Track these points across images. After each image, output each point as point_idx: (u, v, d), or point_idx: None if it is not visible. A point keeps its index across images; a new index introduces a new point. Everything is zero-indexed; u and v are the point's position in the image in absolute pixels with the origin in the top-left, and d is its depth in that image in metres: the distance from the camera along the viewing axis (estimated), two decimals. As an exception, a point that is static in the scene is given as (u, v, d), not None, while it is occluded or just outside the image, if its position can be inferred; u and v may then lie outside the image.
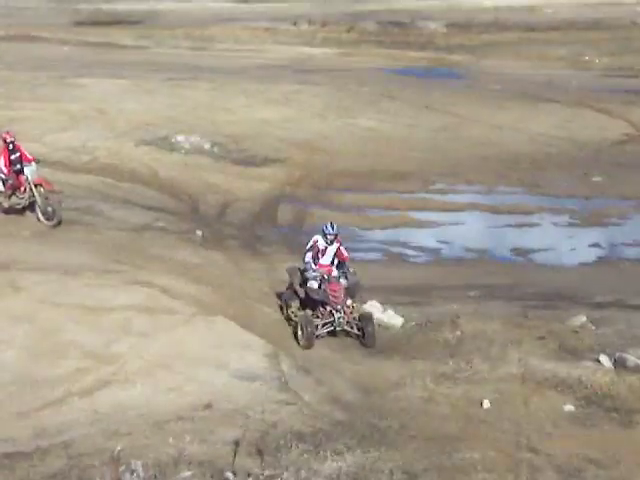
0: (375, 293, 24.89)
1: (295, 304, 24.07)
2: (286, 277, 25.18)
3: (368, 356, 22.21)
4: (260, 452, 16.83)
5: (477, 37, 66.86)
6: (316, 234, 24.64)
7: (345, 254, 24.39)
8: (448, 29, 70.67)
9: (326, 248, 24.28)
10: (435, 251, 30.86)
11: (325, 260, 24.36)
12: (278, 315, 24.74)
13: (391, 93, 53.22)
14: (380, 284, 26.61)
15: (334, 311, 23.23)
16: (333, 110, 49.55)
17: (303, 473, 15.88)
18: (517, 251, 30.62)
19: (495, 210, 34.69)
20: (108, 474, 14.03)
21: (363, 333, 23.14)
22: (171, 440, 17.23)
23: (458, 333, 22.08)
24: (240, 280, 26.79)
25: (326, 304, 23.38)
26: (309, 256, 23.95)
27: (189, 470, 15.56)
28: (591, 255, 29.96)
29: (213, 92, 53.16)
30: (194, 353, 21.26)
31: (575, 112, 46.15)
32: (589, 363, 20.99)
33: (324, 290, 23.47)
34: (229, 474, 15.67)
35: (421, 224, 33.39)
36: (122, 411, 18.70)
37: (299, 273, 24.47)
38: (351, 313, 23.57)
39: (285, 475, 15.30)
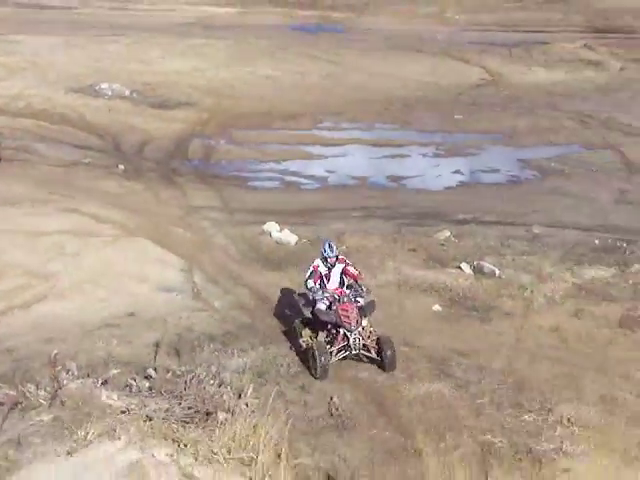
0: (273, 215, 24.65)
1: (306, 331, 18.66)
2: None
3: (267, 269, 22.08)
4: (177, 352, 17.47)
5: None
6: (316, 258, 18.83)
7: (354, 272, 18.65)
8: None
9: (329, 271, 18.74)
10: (323, 179, 30.71)
11: (332, 284, 18.71)
12: (191, 235, 24.41)
13: (285, 46, 52.72)
14: (277, 208, 26.58)
15: (348, 333, 17.72)
16: (235, 61, 49.12)
17: (214, 368, 15.96)
18: (392, 178, 30.65)
19: (374, 144, 34.73)
20: (47, 374, 13.86)
21: (382, 357, 17.64)
22: (100, 344, 17.48)
23: (344, 247, 21.93)
24: (157, 206, 26.37)
25: (338, 326, 17.87)
26: (311, 282, 18.38)
27: (117, 369, 15.46)
28: (453, 180, 30.16)
29: (132, 46, 52.54)
30: (119, 269, 21.30)
31: (439, 61, 46.33)
32: (453, 270, 21.53)
33: (335, 311, 18.01)
34: (151, 371, 15.91)
35: (311, 156, 33.29)
36: (57, 321, 18.66)
37: (308, 297, 19.21)
38: (368, 336, 17.93)
39: (199, 370, 15.20)
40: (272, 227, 24.05)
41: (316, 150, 33.73)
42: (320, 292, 18.30)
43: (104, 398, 13.44)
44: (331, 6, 64.51)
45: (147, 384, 14.87)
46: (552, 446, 14.62)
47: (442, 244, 23.20)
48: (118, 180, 29.54)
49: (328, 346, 17.70)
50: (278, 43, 53.72)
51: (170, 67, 47.45)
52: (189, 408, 13.73)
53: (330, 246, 18.53)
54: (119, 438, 12.67)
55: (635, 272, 21.24)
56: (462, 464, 14.21)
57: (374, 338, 17.92)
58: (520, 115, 36.68)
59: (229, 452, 12.64)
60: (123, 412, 13.25)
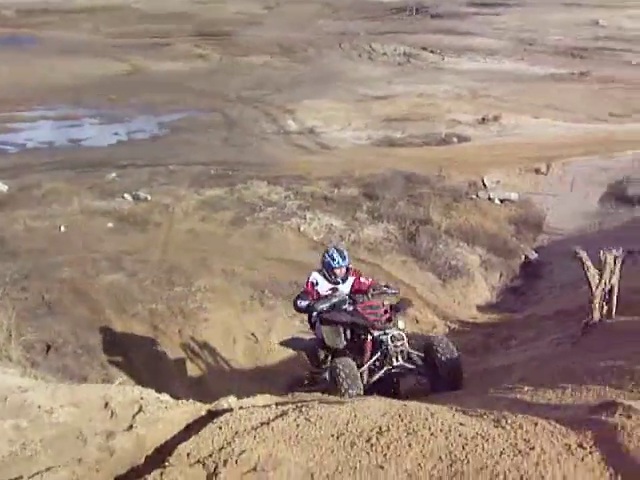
0: None
1: (319, 355, 10.13)
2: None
3: None
4: None
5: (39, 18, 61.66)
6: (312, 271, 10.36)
7: (368, 282, 10.11)
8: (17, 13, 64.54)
9: (334, 290, 9.94)
10: (24, 144, 29.27)
11: None
12: None
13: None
14: None
15: (381, 336, 9.16)
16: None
17: None
18: (71, 141, 29.95)
19: (57, 118, 33.25)
20: None
21: (434, 368, 9.04)
22: None
23: (41, 192, 21.35)
24: None
25: (364, 329, 9.30)
26: (304, 302, 9.88)
27: None
28: (114, 139, 29.96)
29: None
30: None
31: (97, 59, 44.53)
32: (119, 199, 21.37)
33: (355, 310, 9.46)
34: None
35: (12, 130, 31.41)
36: None
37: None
38: (409, 341, 9.33)
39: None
40: None
41: (16, 125, 32.06)
42: (325, 300, 9.62)
43: None
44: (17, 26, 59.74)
45: None
46: (195, 305, 15.29)
47: (110, 182, 23.04)
48: None
49: (354, 363, 8.96)
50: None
51: None
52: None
53: (339, 252, 10.13)
54: None
55: (238, 189, 22.08)
56: (138, 324, 14.52)
57: (414, 343, 9.66)
58: (157, 93, 36.45)
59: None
60: None
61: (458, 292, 18.03)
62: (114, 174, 23.70)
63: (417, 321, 16.17)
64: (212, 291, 15.91)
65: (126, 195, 21.31)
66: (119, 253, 17.51)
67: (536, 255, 20.06)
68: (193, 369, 13.97)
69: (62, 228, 18.79)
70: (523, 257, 19.94)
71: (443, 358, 8.87)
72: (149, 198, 21.25)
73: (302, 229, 19.69)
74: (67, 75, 40.53)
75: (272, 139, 29.19)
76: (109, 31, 54.49)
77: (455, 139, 28.88)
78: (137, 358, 13.92)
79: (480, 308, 17.69)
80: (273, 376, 13.32)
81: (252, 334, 14.90)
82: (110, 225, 19.37)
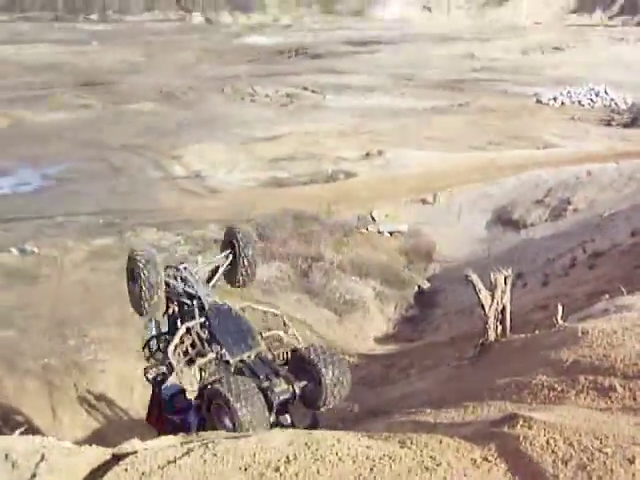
0: None
1: None
2: None
3: None
4: None
5: None
6: None
7: None
8: None
9: None
10: None
11: None
12: None
13: None
14: None
15: None
16: None
17: None
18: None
19: None
20: None
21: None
22: None
23: None
24: None
25: None
26: None
27: None
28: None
29: None
30: None
31: None
32: (5, 253, 20.66)
33: None
34: None
35: None
36: None
37: None
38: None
39: None
40: None
41: None
42: None
43: None
44: None
45: None
46: (90, 357, 14.98)
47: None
48: None
49: None
50: None
51: None
52: None
53: None
54: None
55: (127, 237, 21.82)
56: (31, 380, 14.08)
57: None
58: (39, 144, 35.47)
59: None
60: None
61: (355, 326, 18.23)
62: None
63: (315, 357, 16.22)
64: (106, 341, 15.66)
65: (12, 249, 20.70)
66: (8, 309, 16.98)
67: (428, 284, 20.53)
68: (91, 422, 13.60)
69: None
70: (416, 287, 20.39)
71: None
72: (36, 251, 20.72)
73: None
74: None
75: (159, 185, 28.95)
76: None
77: (342, 175, 29.34)
78: (32, 415, 13.48)
79: (378, 340, 17.93)
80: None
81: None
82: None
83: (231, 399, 6.49)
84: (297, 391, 7.03)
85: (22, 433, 9.16)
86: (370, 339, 17.94)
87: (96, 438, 12.57)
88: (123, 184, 29.00)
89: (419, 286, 20.47)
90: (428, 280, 20.84)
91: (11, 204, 26.79)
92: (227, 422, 6.56)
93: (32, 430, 12.69)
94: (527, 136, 34.95)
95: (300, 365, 7.22)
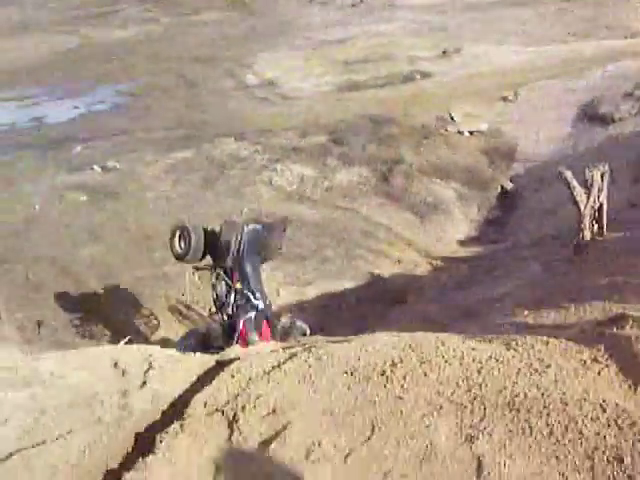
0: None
1: None
2: None
3: None
4: None
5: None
6: None
7: None
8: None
9: None
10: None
11: None
12: None
13: None
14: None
15: None
16: None
17: None
18: (34, 120, 28.61)
19: (15, 99, 31.87)
20: None
21: None
22: None
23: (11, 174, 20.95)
24: None
25: None
26: None
27: None
28: (75, 113, 28.87)
29: None
30: None
31: (46, 35, 42.84)
32: (89, 171, 20.94)
33: None
34: None
35: None
36: None
37: None
38: None
39: None
40: None
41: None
42: None
43: None
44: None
45: None
46: (177, 268, 15.03)
47: (77, 156, 22.58)
48: None
49: None
50: None
51: None
52: None
53: None
54: None
55: (206, 149, 21.87)
56: (122, 292, 14.40)
57: None
58: (111, 62, 35.49)
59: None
60: None
61: (437, 229, 18.03)
62: (79, 147, 23.17)
63: (400, 261, 16.20)
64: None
65: (95, 167, 20.97)
66: (96, 225, 17.34)
67: (512, 184, 20.07)
68: (184, 330, 13.90)
69: (36, 207, 18.51)
70: (499, 187, 19.95)
71: None
72: (118, 167, 20.93)
73: (274, 182, 19.55)
74: (18, 55, 39.34)
75: (233, 95, 28.72)
76: (55, 5, 52.85)
77: (418, 75, 28.60)
78: (126, 325, 13.87)
79: (461, 242, 17.72)
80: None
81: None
82: (83, 198, 19.05)
83: None
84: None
85: (127, 343, 9.45)
86: (453, 242, 17.72)
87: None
88: (198, 96, 28.84)
89: (502, 186, 20.02)
90: (511, 180, 20.35)
91: (89, 123, 27.02)
92: None
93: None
94: (614, 25, 33.25)
95: None
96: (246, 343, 8.22)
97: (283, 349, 5.50)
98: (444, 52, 30.84)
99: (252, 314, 8.70)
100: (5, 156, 23.25)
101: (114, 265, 15.32)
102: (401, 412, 4.31)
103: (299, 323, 8.53)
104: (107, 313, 13.93)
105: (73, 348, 12.11)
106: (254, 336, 8.37)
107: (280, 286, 14.80)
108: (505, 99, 24.74)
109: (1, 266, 15.04)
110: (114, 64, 35.11)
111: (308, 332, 8.12)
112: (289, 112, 25.61)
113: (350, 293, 14.81)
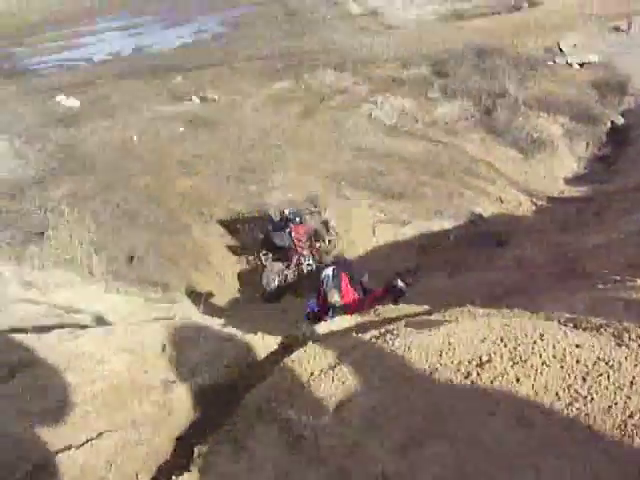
0: (61, 89, 22.79)
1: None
2: None
3: (64, 126, 19.90)
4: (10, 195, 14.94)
5: None
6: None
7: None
8: None
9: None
10: (91, 58, 28.50)
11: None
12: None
13: None
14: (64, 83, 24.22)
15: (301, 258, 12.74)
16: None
17: (38, 201, 14.27)
18: (137, 49, 28.99)
19: (120, 28, 32.13)
20: None
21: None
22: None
23: (112, 103, 20.98)
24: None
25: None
26: None
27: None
28: (177, 42, 28.78)
29: None
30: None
31: None
32: (188, 102, 20.84)
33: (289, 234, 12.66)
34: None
35: (79, 44, 30.51)
36: None
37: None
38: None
39: (27, 205, 13.93)
40: (62, 98, 22.05)
41: (82, 40, 31.26)
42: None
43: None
44: None
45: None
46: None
47: (177, 85, 22.41)
48: None
49: (281, 268, 12.54)
50: None
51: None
52: (27, 232, 13.06)
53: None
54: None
55: (305, 80, 21.40)
56: (217, 226, 14.21)
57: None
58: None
59: (57, 257, 11.99)
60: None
61: (542, 166, 17.09)
62: (180, 77, 22.98)
63: (501, 200, 15.46)
64: (289, 184, 15.47)
65: (194, 97, 20.75)
66: (192, 157, 17.08)
67: (623, 120, 18.84)
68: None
69: (135, 137, 18.43)
70: (609, 123, 18.75)
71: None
72: (216, 98, 20.63)
73: (374, 114, 18.90)
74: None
75: (335, 24, 27.92)
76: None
77: (526, 4, 27.16)
78: (219, 262, 13.67)
79: (567, 181, 16.77)
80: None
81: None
82: (181, 129, 18.83)
83: None
84: None
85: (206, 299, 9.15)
86: (559, 180, 16.77)
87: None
88: (298, 25, 28.17)
89: (612, 122, 18.81)
90: (622, 115, 19.09)
91: (190, 53, 26.74)
92: None
93: (217, 276, 12.97)
94: None
95: None
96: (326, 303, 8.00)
97: (356, 332, 4.83)
98: (554, -22, 29.12)
99: (329, 271, 8.20)
100: (108, 86, 23.24)
101: (209, 198, 15.09)
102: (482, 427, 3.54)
103: (396, 282, 7.92)
104: (199, 251, 13.73)
105: (161, 285, 12.08)
106: (335, 296, 7.91)
107: (376, 224, 14.34)
108: (618, 29, 23.21)
109: (97, 197, 14.99)
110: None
111: (406, 292, 7.52)
112: (391, 42, 24.69)
113: (449, 233, 14.20)
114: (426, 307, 6.43)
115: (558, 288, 7.26)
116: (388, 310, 6.57)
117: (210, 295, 12.27)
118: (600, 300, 5.42)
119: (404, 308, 6.59)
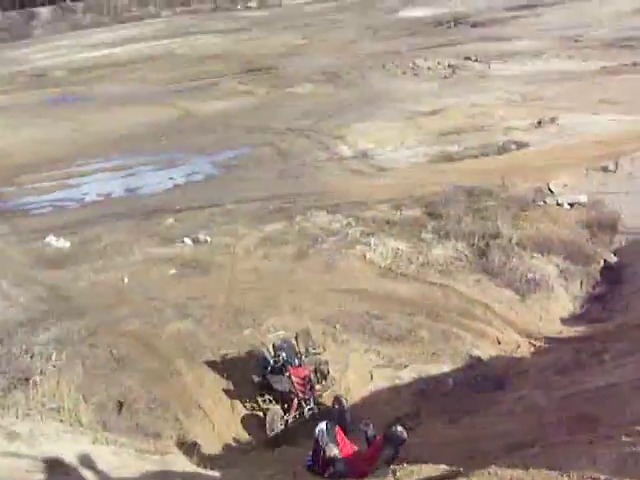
0: (50, 231, 22.97)
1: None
2: None
3: (53, 268, 20.05)
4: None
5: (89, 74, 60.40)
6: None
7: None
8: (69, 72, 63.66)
9: None
10: (82, 199, 28.60)
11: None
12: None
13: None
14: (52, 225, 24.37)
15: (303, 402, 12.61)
16: None
17: (24, 346, 14.65)
18: (129, 190, 29.05)
19: (113, 169, 32.43)
20: None
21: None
22: None
23: (103, 244, 20.98)
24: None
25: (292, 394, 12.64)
26: None
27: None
28: (170, 184, 29.03)
29: None
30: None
31: (146, 107, 43.81)
32: (180, 244, 20.82)
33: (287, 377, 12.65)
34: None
35: (71, 185, 30.80)
36: None
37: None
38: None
39: (14, 349, 13.82)
40: (51, 239, 22.13)
41: (75, 181, 31.55)
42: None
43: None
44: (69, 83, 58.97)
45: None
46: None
47: (169, 228, 22.46)
48: None
49: (282, 413, 12.53)
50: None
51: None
52: (12, 378, 12.74)
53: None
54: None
55: (298, 222, 21.48)
56: (209, 371, 13.94)
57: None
58: (207, 133, 35.89)
59: (43, 405, 11.62)
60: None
61: (539, 306, 16.97)
62: (172, 219, 23.12)
63: (499, 342, 15.26)
64: (284, 329, 15.28)
65: (186, 239, 20.83)
66: (184, 300, 17.06)
67: (616, 258, 18.87)
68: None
69: (125, 279, 18.36)
70: (602, 262, 18.77)
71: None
72: (209, 240, 20.73)
73: (368, 256, 18.91)
74: (120, 126, 40.09)
75: (326, 167, 28.38)
76: (156, 79, 54.13)
77: (513, 146, 27.76)
78: (211, 409, 13.28)
79: (565, 321, 16.62)
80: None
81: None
82: (173, 271, 18.89)
83: None
84: None
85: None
86: (556, 320, 16.62)
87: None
88: (290, 168, 28.60)
89: (605, 260, 18.85)
90: (614, 254, 19.15)
91: (183, 194, 27.03)
92: None
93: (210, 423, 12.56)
94: None
95: None
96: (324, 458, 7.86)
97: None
98: (539, 122, 29.96)
99: (323, 425, 8.25)
100: (99, 227, 23.37)
101: (201, 342, 14.84)
102: None
103: (396, 429, 7.65)
104: (192, 396, 13.36)
105: (152, 434, 11.64)
106: (334, 449, 7.66)
107: (373, 369, 14.05)
108: (605, 169, 23.66)
109: (86, 340, 14.83)
110: (210, 136, 35.42)
111: (406, 439, 7.24)
112: (382, 183, 25.05)
113: (447, 377, 13.89)
114: (444, 466, 6.08)
115: (575, 440, 6.92)
116: (407, 472, 6.21)
117: (203, 444, 11.85)
118: (628, 456, 5.06)
119: (422, 469, 6.23)
